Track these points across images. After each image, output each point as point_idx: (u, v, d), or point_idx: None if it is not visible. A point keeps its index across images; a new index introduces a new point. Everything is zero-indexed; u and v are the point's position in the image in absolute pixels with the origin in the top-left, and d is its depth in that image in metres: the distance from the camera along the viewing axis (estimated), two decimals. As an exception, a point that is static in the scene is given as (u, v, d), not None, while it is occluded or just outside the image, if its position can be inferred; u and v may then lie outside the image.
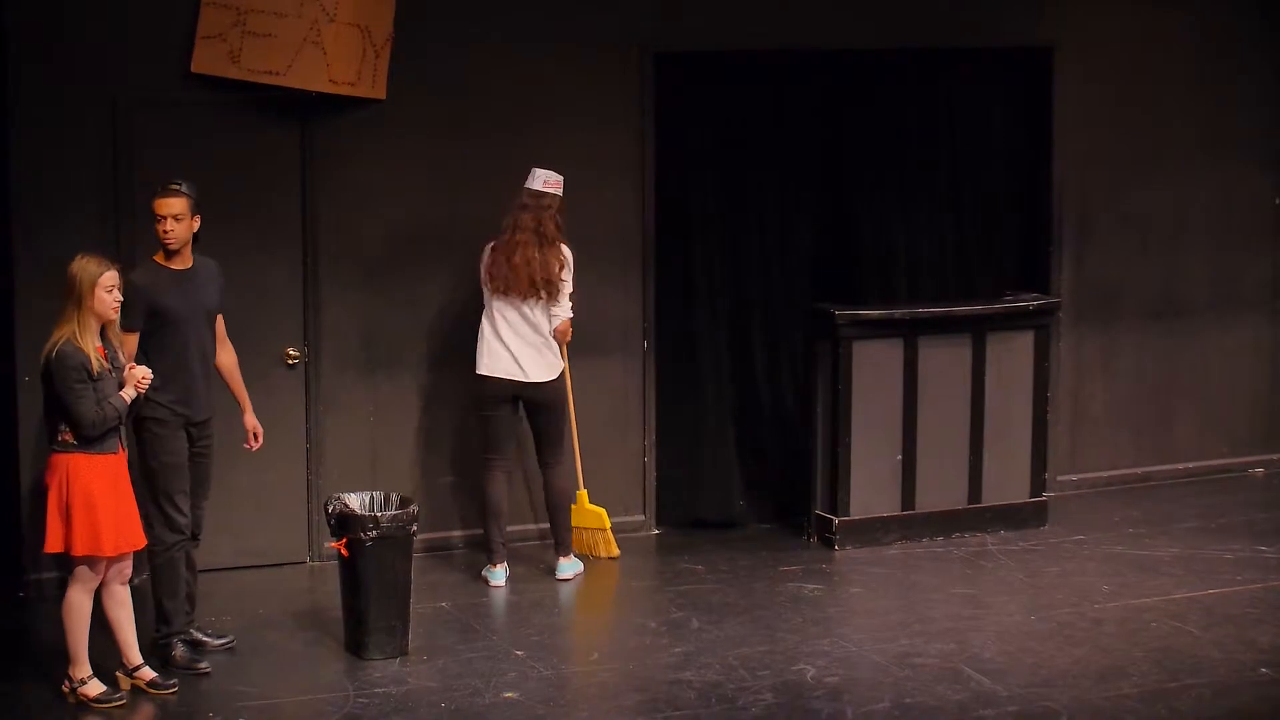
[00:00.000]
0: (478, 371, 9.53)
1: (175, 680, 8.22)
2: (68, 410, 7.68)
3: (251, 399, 9.23)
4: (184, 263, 8.40)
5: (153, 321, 8.24)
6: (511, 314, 9.48)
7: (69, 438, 7.74)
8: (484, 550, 9.73)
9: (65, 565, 8.08)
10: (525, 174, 9.68)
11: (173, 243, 8.30)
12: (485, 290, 9.54)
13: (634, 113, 10.38)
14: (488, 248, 9.54)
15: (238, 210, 9.61)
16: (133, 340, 8.18)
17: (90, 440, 7.71)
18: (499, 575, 9.65)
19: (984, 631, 8.99)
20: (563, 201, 9.54)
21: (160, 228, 8.32)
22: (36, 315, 8.75)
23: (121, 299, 7.80)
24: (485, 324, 9.55)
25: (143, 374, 7.87)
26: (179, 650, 8.48)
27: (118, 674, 8.08)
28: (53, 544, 7.76)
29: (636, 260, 10.50)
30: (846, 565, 10.07)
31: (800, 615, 9.20)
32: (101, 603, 7.99)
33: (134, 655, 8.11)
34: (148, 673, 8.14)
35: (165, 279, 8.32)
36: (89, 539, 7.76)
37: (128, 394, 7.83)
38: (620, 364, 10.53)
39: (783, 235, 10.98)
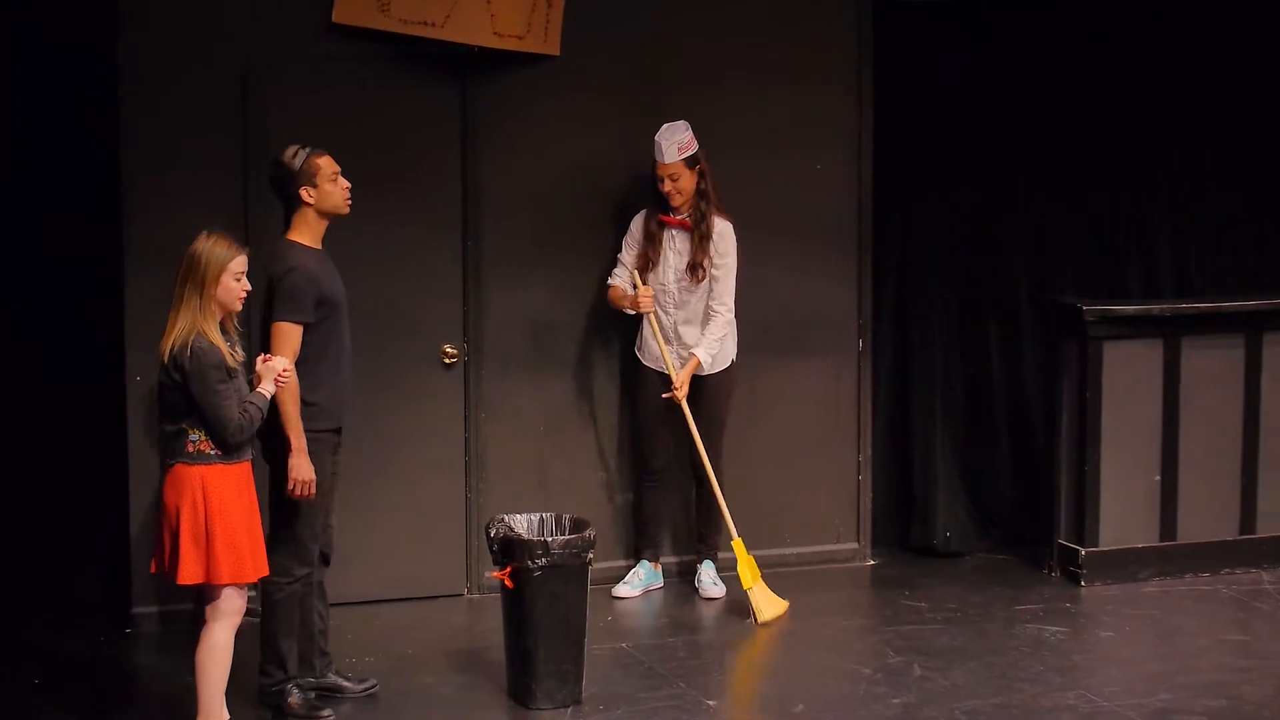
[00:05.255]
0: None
1: None
2: (210, 416, 7.35)
3: (403, 402, 9.37)
4: (320, 243, 8.16)
5: (319, 312, 7.95)
6: None
7: (206, 446, 7.39)
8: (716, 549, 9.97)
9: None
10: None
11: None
12: None
13: (850, 70, 10.05)
14: (729, 220, 9.64)
15: (386, 186, 9.32)
16: (296, 336, 7.86)
17: (230, 448, 7.41)
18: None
19: (1260, 685, 8.55)
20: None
21: (344, 188, 8.07)
22: (149, 308, 8.49)
23: (249, 289, 7.50)
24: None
25: (281, 365, 7.61)
26: (295, 697, 8.07)
27: None
28: (191, 574, 7.39)
29: (852, 245, 10.16)
30: (1095, 604, 9.73)
31: (1040, 663, 8.81)
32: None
33: (222, 712, 7.68)
34: None
35: (319, 261, 8.03)
36: (233, 563, 7.42)
37: (266, 390, 7.54)
38: (832, 366, 10.20)
39: (1025, 216, 10.69)
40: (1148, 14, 10.60)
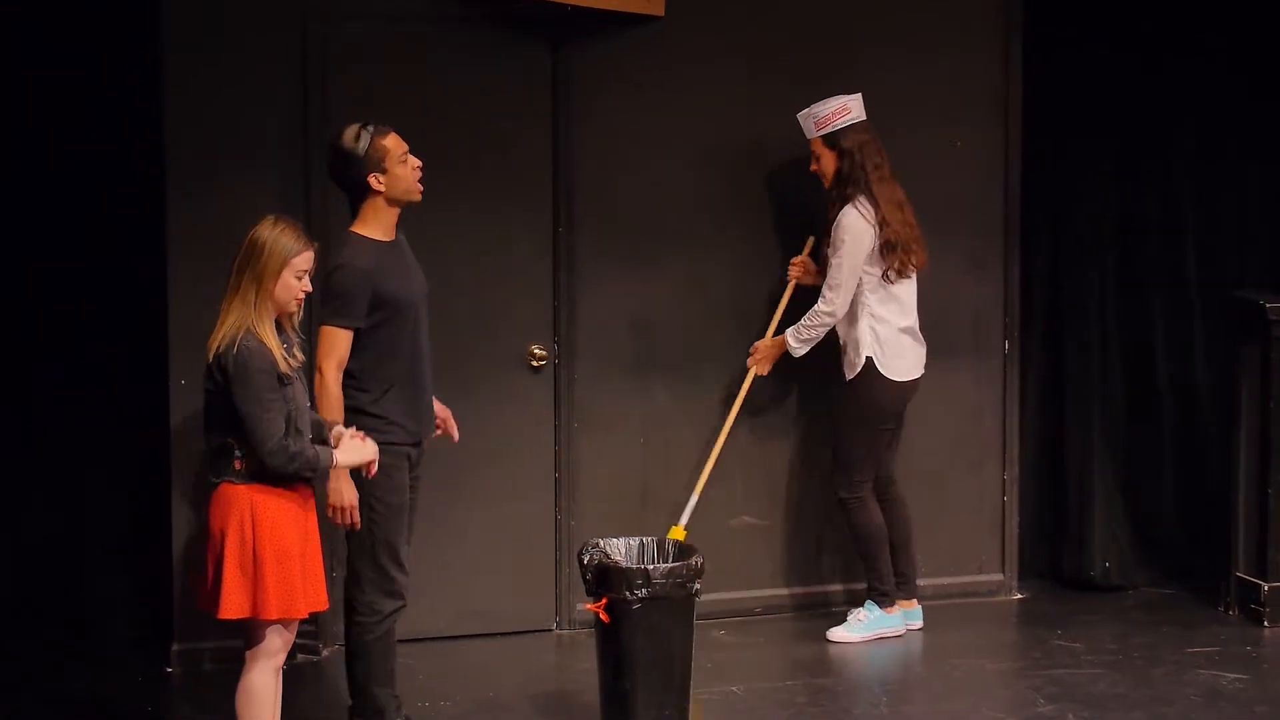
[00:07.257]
0: (893, 377, 9.32)
1: None
2: (250, 426, 7.00)
3: (484, 411, 9.18)
4: (393, 234, 7.89)
5: (376, 315, 7.64)
6: (906, 294, 9.30)
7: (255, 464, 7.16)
8: (876, 594, 9.58)
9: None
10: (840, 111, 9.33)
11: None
12: (877, 268, 9.20)
13: (995, 29, 9.74)
14: (863, 209, 9.10)
15: (465, 167, 9.11)
16: (343, 342, 7.54)
17: (265, 470, 7.08)
18: (915, 615, 9.64)
19: None
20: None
21: (414, 168, 7.77)
22: (194, 305, 8.38)
23: (309, 290, 7.16)
24: (881, 311, 9.27)
25: (374, 452, 7.32)
26: None
27: None
28: (236, 607, 7.07)
29: (996, 233, 9.86)
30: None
31: (1217, 714, 8.36)
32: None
33: None
34: None
35: (381, 255, 7.71)
36: (284, 597, 7.07)
37: (341, 459, 7.21)
38: (973, 371, 9.92)
39: (1198, 199, 10.35)
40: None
